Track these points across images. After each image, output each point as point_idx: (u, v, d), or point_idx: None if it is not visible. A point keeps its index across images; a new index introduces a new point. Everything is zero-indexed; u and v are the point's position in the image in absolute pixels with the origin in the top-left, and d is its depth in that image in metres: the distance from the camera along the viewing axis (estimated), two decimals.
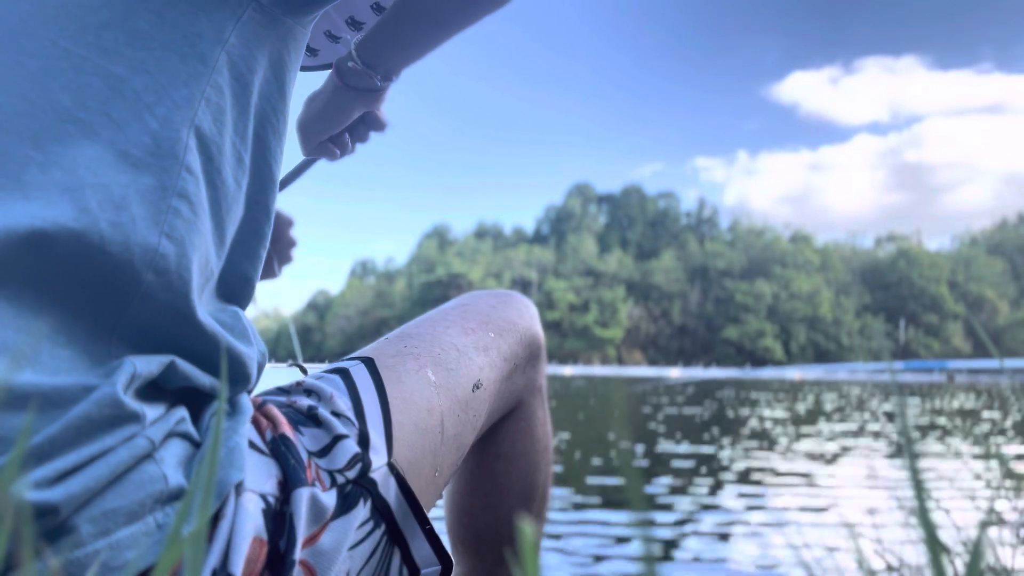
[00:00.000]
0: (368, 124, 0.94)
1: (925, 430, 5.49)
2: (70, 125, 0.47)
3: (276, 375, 0.74)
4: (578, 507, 2.44)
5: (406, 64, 0.83)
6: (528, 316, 0.88)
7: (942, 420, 6.60)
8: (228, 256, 0.58)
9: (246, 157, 0.58)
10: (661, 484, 2.90)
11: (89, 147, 0.47)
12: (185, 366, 0.49)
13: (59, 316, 0.44)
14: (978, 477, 2.88)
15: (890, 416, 7.16)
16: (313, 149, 0.93)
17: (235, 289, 0.60)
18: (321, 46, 0.98)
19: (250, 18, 0.56)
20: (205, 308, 0.52)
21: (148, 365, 0.46)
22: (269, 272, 0.91)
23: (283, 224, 0.91)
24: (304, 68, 0.98)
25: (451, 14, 0.74)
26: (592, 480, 3.00)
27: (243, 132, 0.57)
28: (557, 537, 2.01)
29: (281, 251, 0.92)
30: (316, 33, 0.97)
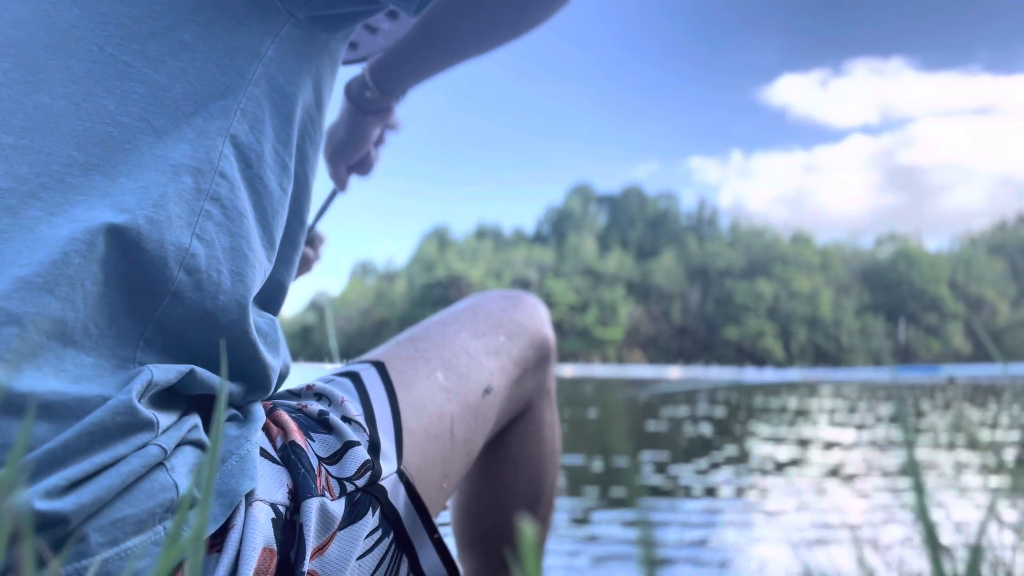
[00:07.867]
0: (384, 130, 0.95)
1: (926, 430, 5.49)
2: (112, 128, 0.48)
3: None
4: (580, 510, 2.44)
5: (419, 84, 0.84)
6: (539, 318, 0.87)
7: (942, 421, 6.60)
8: None
9: (291, 164, 0.59)
10: (655, 481, 2.91)
11: (129, 151, 0.48)
12: (205, 374, 0.49)
13: (96, 318, 0.44)
14: (978, 476, 2.87)
15: (890, 417, 7.17)
16: (344, 173, 0.95)
17: (270, 294, 0.61)
18: (361, 39, 0.98)
19: (288, 33, 0.57)
20: (251, 313, 0.53)
21: (166, 374, 0.46)
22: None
23: (316, 240, 0.94)
24: (344, 62, 0.98)
25: (470, 41, 0.74)
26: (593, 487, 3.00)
27: (286, 141, 0.58)
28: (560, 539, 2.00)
29: (306, 263, 0.93)
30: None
